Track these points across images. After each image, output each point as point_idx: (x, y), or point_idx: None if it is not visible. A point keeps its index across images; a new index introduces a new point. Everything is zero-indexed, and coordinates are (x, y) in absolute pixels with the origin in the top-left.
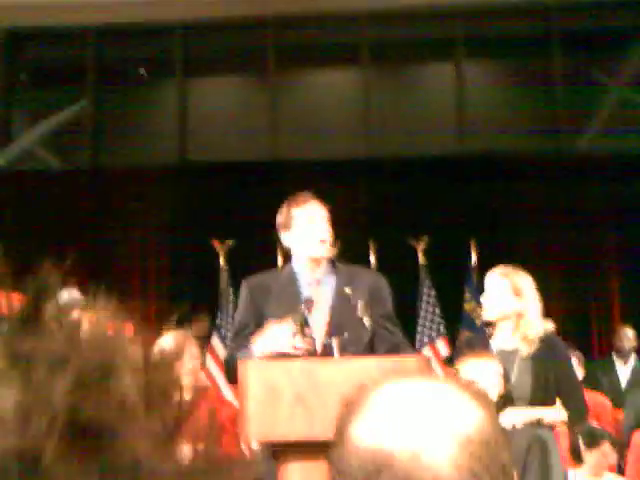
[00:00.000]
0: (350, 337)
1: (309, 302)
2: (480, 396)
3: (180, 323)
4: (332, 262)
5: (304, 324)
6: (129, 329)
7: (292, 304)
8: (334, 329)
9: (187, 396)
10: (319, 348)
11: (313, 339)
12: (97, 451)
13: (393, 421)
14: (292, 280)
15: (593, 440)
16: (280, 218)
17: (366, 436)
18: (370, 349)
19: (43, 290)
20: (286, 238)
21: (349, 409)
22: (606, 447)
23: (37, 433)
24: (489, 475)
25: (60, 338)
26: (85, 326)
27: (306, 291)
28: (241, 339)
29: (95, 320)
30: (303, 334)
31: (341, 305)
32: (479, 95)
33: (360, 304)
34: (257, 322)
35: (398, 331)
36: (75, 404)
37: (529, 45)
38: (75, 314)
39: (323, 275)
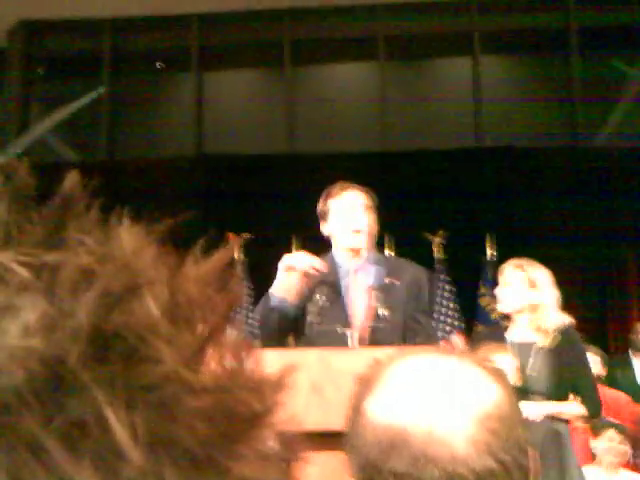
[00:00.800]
0: (379, 326)
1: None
2: (496, 373)
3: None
4: (377, 252)
5: (320, 314)
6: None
7: (330, 289)
8: (370, 316)
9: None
10: (354, 334)
11: (332, 328)
12: (123, 358)
13: (408, 396)
14: (332, 269)
15: (596, 428)
16: (319, 209)
17: (381, 411)
18: (400, 341)
19: (69, 204)
20: (324, 228)
21: (364, 385)
22: (611, 434)
23: (62, 339)
24: (505, 451)
25: (84, 253)
26: (111, 243)
27: (345, 279)
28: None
29: (121, 237)
30: (319, 322)
31: (380, 294)
32: (496, 89)
33: (374, 294)
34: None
35: (430, 325)
36: (100, 314)
37: (547, 38)
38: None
39: (365, 264)
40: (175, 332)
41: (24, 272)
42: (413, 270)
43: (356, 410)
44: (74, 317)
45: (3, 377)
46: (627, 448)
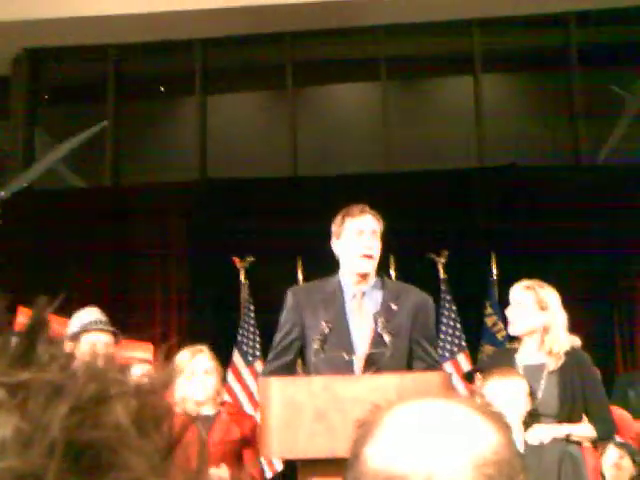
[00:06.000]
0: (383, 352)
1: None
2: (495, 417)
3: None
4: (381, 277)
5: (324, 341)
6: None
7: (335, 314)
8: (377, 343)
9: (178, 421)
10: (359, 360)
11: (337, 354)
12: (97, 470)
13: (407, 443)
14: (337, 291)
15: (601, 447)
16: (334, 227)
17: (380, 458)
18: (404, 366)
19: (37, 324)
20: (336, 247)
21: (363, 430)
22: (612, 451)
23: (38, 455)
24: None
25: (55, 369)
26: (79, 357)
27: (350, 303)
28: (283, 353)
29: (88, 350)
30: (323, 350)
31: (382, 319)
32: (498, 108)
33: (380, 321)
34: (300, 330)
35: (435, 353)
36: (72, 428)
37: (548, 58)
38: (68, 346)
39: (369, 289)
40: (143, 440)
41: None
42: (416, 295)
43: (355, 456)
44: (48, 432)
45: None
46: (630, 463)
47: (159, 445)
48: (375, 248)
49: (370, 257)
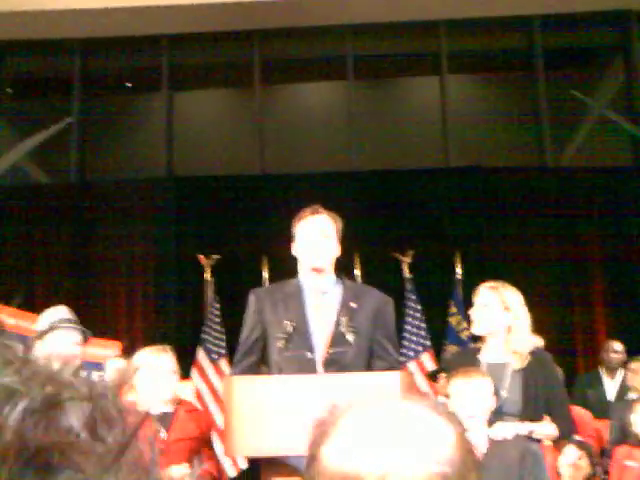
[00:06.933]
0: (345, 350)
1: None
2: (450, 417)
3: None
4: (340, 277)
5: (288, 340)
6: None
7: (296, 313)
8: (337, 342)
9: (132, 420)
10: (321, 358)
11: (300, 353)
12: (48, 473)
13: (362, 442)
14: (298, 290)
15: (559, 446)
16: (292, 229)
17: (336, 457)
18: (365, 365)
19: None
20: (294, 249)
21: (320, 430)
22: (571, 450)
23: None
24: None
25: (9, 372)
26: (34, 361)
27: (311, 300)
28: (248, 354)
29: (45, 355)
30: (287, 348)
31: (345, 318)
32: (463, 109)
33: (343, 320)
34: (262, 330)
35: (395, 353)
36: (25, 431)
37: (513, 60)
38: (23, 350)
39: (329, 287)
40: (94, 442)
41: None
42: (376, 296)
43: (312, 456)
44: (1, 434)
45: None
46: (586, 464)
47: (111, 446)
48: (326, 247)
49: (319, 255)
